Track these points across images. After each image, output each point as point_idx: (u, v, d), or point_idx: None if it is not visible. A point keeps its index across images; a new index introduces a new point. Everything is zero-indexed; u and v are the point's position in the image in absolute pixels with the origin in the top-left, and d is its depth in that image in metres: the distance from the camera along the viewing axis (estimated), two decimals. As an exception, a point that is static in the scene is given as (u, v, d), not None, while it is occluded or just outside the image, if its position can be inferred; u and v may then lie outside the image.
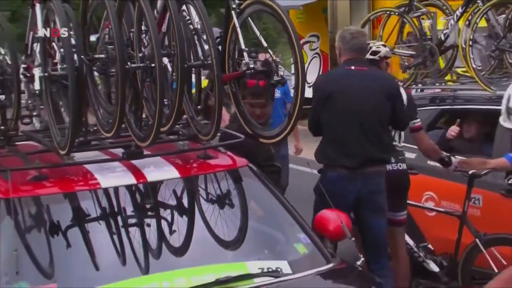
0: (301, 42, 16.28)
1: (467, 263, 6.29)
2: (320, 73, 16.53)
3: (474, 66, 7.19)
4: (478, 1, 7.31)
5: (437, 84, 7.94)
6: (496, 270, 5.96)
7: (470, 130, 7.34)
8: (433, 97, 7.63)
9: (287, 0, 17.08)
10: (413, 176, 6.61)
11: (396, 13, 8.42)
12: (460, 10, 7.66)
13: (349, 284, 4.59)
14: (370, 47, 6.55)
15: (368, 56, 6.50)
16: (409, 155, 6.97)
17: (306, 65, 13.65)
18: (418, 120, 6.54)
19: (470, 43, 7.18)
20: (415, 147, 6.91)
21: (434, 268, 6.67)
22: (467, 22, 7.35)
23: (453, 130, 7.10)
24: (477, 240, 6.13)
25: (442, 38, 7.86)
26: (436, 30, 8.02)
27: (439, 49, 7.82)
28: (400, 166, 6.27)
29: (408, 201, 6.56)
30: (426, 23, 8.23)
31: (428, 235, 6.79)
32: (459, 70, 8.19)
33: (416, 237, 6.86)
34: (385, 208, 6.00)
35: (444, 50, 7.89)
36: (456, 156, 6.53)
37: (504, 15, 7.52)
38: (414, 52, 8.18)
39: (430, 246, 6.88)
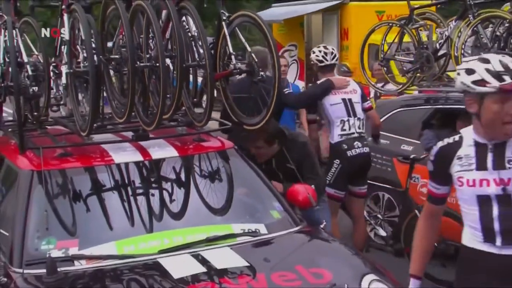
0: (282, 50, 16.31)
1: (408, 229, 6.32)
2: (298, 76, 16.50)
3: None
4: (469, 16, 7.07)
5: (431, 86, 7.71)
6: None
7: (463, 126, 7.13)
8: (427, 98, 7.49)
9: (271, 14, 17.19)
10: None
11: (397, 25, 8.22)
12: (453, 23, 7.42)
13: (312, 241, 4.66)
14: (335, 55, 6.66)
15: (334, 61, 6.63)
16: (407, 147, 7.06)
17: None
18: (369, 101, 6.68)
19: (462, 51, 6.97)
20: (413, 140, 6.97)
21: (382, 233, 6.76)
22: (459, 34, 7.13)
23: None
24: (416, 211, 6.23)
25: (437, 47, 7.63)
26: (432, 40, 7.82)
27: (434, 57, 7.59)
28: (365, 149, 6.34)
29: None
30: (423, 34, 7.97)
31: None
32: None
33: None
34: None
35: (438, 58, 7.66)
36: None
37: (488, 29, 7.22)
38: (412, 59, 7.93)
39: (379, 216, 6.98)
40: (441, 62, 7.82)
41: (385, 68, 8.55)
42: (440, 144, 3.41)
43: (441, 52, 7.60)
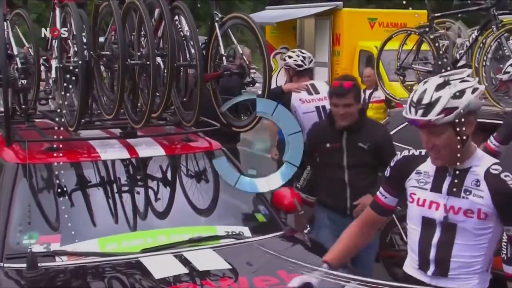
0: (274, 52, 16.27)
1: (385, 232, 6.34)
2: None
3: (486, 84, 6.46)
4: (492, 27, 6.79)
5: None
6: (406, 239, 5.99)
7: (476, 141, 6.88)
8: None
9: (264, 16, 17.16)
10: None
11: (416, 33, 7.94)
12: (475, 33, 7.13)
13: (295, 246, 4.58)
14: (312, 59, 6.68)
15: (311, 65, 6.64)
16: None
17: (277, 72, 13.63)
18: None
19: (484, 63, 6.65)
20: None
21: None
22: (481, 45, 6.82)
23: None
24: (393, 215, 6.17)
25: (457, 57, 7.34)
26: (452, 50, 7.53)
27: (454, 67, 7.13)
28: None
29: None
30: (443, 44, 7.73)
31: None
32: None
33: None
34: None
35: (457, 68, 6.88)
36: None
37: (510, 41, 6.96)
38: (430, 69, 7.65)
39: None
40: None
41: (401, 77, 8.29)
42: (405, 153, 3.29)
43: (461, 63, 7.32)
